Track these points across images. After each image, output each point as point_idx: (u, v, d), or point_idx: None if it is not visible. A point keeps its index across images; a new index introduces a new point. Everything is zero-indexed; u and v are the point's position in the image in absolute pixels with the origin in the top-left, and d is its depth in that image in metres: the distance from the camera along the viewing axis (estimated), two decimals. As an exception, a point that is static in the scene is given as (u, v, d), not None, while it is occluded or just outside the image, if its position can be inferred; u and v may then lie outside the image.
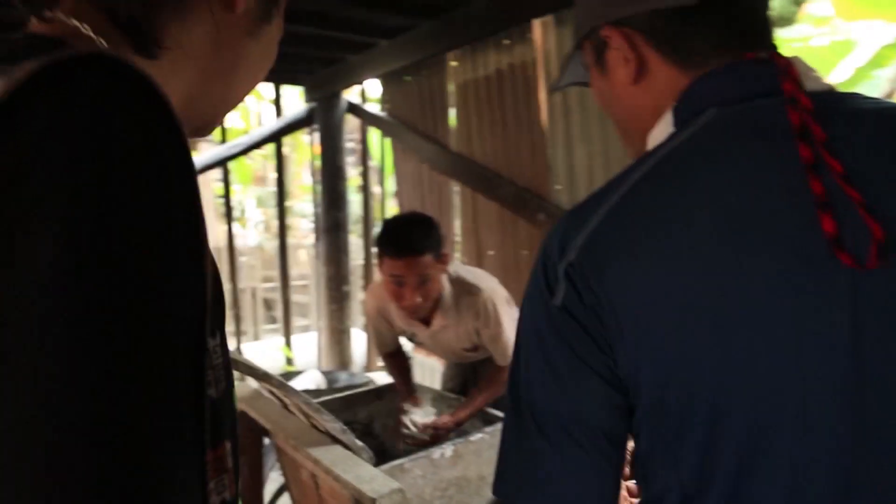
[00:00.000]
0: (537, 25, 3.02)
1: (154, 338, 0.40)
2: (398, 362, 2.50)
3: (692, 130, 0.64)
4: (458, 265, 2.32)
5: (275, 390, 1.55)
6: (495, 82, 3.29)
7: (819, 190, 0.56)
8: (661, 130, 0.68)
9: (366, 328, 2.40)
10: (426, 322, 2.21)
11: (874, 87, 9.18)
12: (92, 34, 0.51)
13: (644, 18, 0.69)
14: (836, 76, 8.76)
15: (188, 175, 0.44)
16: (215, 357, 0.51)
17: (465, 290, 2.17)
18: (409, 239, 2.00)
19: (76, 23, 0.50)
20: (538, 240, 3.18)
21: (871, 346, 0.55)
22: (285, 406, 1.68)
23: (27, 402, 0.38)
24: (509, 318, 2.19)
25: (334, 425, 1.38)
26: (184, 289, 0.43)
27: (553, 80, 2.95)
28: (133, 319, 0.39)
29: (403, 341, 2.50)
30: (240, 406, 1.69)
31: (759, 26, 0.69)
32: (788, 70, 0.63)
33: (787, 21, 10.86)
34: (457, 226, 3.77)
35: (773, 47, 0.69)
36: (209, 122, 0.67)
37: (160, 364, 0.41)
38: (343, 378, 4.16)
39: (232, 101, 0.69)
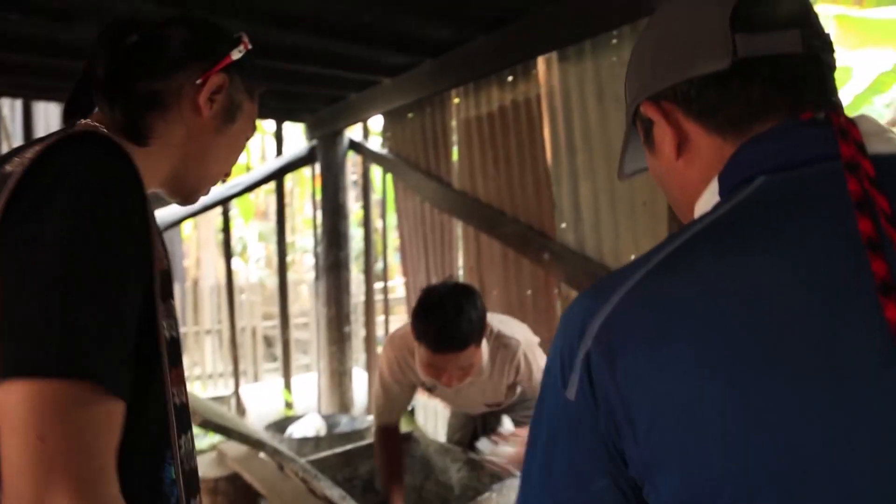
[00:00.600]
0: (541, 62, 2.99)
1: (110, 283, 0.69)
2: (392, 445, 2.24)
3: (736, 201, 0.57)
4: (493, 315, 2.14)
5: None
6: (498, 119, 3.24)
7: (882, 271, 0.48)
8: (707, 200, 0.64)
9: (371, 390, 2.24)
10: None
11: (873, 113, 9.21)
12: (103, 129, 0.81)
13: (678, 90, 0.67)
14: None
15: (139, 199, 0.74)
16: (169, 316, 0.80)
17: (500, 343, 2.03)
18: (452, 335, 1.78)
19: (96, 124, 0.84)
20: (542, 279, 3.11)
21: None
22: (281, 467, 1.59)
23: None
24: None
25: (332, 492, 1.30)
26: (135, 264, 0.73)
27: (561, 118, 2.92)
28: (101, 274, 0.68)
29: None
30: (233, 467, 1.60)
31: (814, 82, 0.62)
32: (849, 130, 0.56)
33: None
34: (459, 264, 3.70)
35: (834, 105, 0.62)
36: (193, 191, 0.98)
37: (114, 296, 0.70)
38: (344, 422, 4.06)
39: (209, 178, 0.99)
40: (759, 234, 0.53)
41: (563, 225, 3.00)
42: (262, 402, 4.95)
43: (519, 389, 2.23)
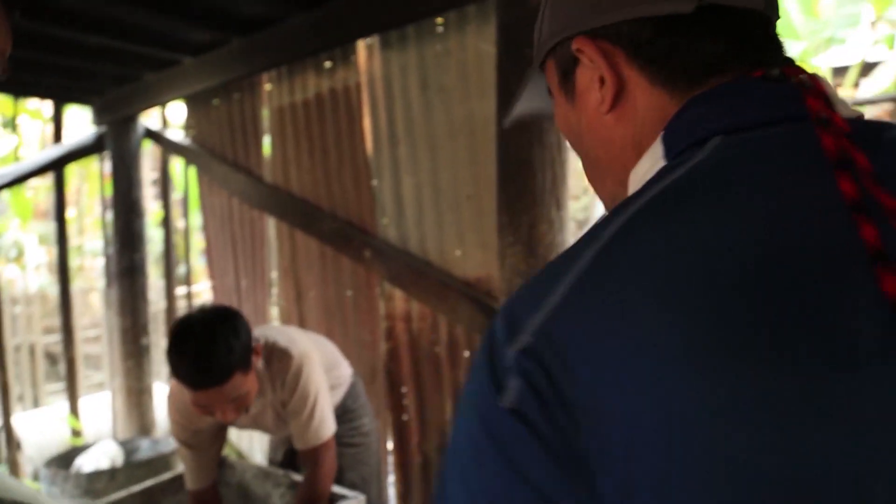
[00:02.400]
0: (361, 48, 2.81)
1: None
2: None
3: (692, 164, 0.47)
4: (271, 328, 1.99)
5: None
6: (315, 108, 3.01)
7: (872, 237, 0.39)
8: (647, 167, 0.53)
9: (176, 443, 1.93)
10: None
11: None
12: None
13: (626, 30, 0.55)
14: None
15: None
16: None
17: (276, 356, 1.86)
18: (208, 369, 1.59)
19: None
20: (363, 278, 2.92)
21: None
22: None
23: None
24: (323, 391, 1.89)
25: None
26: None
27: (378, 104, 2.74)
28: None
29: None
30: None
31: (766, 37, 0.56)
32: (815, 86, 0.49)
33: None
34: (273, 264, 3.41)
35: (787, 62, 0.53)
36: None
37: None
38: (145, 446, 3.61)
39: None
40: (726, 201, 0.44)
41: (385, 220, 2.84)
42: (43, 432, 4.26)
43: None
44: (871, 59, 4.85)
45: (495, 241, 2.30)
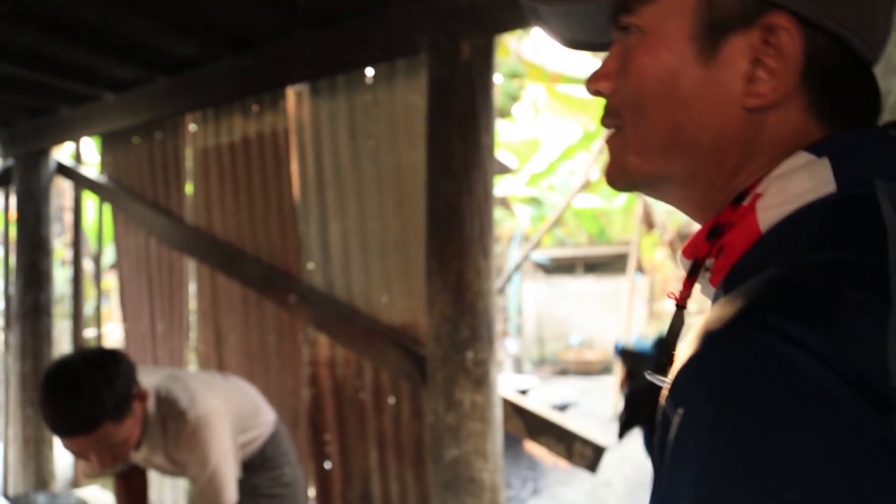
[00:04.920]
0: (290, 94, 2.83)
1: None
2: (128, 486, 2.01)
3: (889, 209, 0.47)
4: (175, 377, 1.89)
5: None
6: (241, 150, 2.99)
7: None
8: (808, 185, 0.50)
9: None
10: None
11: (559, 178, 10.61)
12: None
13: (822, 43, 0.51)
14: (531, 168, 10.00)
15: None
16: None
17: (171, 413, 1.77)
18: (71, 418, 1.56)
19: None
20: (287, 323, 2.89)
21: None
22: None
23: None
24: (224, 455, 1.80)
25: None
26: None
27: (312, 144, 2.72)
28: None
29: None
30: None
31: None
32: None
33: (502, 115, 12.10)
34: (192, 307, 3.32)
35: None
36: None
37: None
38: (41, 501, 3.36)
39: None
40: None
41: (311, 266, 2.83)
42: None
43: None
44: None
45: (423, 287, 2.34)
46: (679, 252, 0.59)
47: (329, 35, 2.51)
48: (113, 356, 1.69)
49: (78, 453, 1.64)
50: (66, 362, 1.65)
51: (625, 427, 2.75)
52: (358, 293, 2.70)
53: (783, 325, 0.39)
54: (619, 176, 0.60)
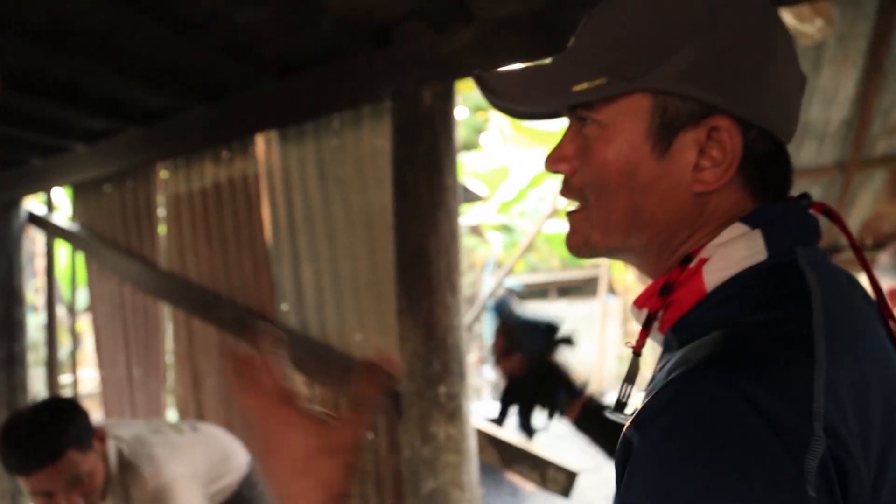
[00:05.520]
0: (260, 140, 2.91)
1: None
2: None
3: (817, 274, 0.59)
4: (140, 441, 1.86)
5: None
6: (212, 196, 3.06)
7: None
8: (745, 253, 0.60)
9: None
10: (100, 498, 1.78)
11: (530, 205, 10.79)
12: None
13: (755, 135, 0.61)
14: (502, 196, 10.16)
15: None
16: None
17: (133, 478, 1.77)
18: (37, 447, 1.58)
19: None
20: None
21: None
22: None
23: None
24: None
25: None
26: None
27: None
28: None
29: None
30: None
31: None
32: (842, 221, 0.66)
33: (470, 147, 12.27)
34: (168, 352, 3.35)
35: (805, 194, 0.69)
36: None
37: None
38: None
39: None
40: (853, 312, 0.59)
41: (285, 306, 2.89)
42: None
43: None
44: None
45: (395, 325, 2.42)
46: (631, 303, 0.69)
47: (295, 84, 2.60)
48: (70, 402, 1.73)
49: (45, 495, 1.61)
50: (22, 409, 1.71)
51: (506, 408, 2.91)
52: (332, 332, 2.76)
53: (732, 379, 0.49)
54: (583, 248, 0.69)
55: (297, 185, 2.83)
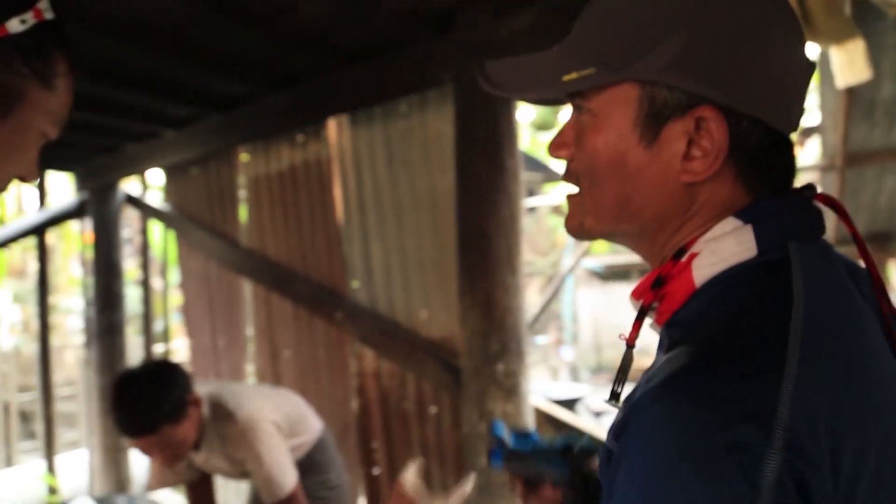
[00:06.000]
0: (332, 124, 3.03)
1: None
2: (197, 493, 2.29)
3: (805, 273, 0.59)
4: (225, 387, 2.14)
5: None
6: (289, 178, 3.21)
7: None
8: (735, 248, 0.61)
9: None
10: (195, 446, 2.04)
11: None
12: None
13: (746, 126, 0.60)
14: None
15: None
16: None
17: (222, 416, 2.00)
18: (135, 421, 1.84)
19: None
20: (336, 339, 3.09)
21: None
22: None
23: None
24: (275, 449, 2.02)
25: None
26: None
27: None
28: None
29: None
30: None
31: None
32: (846, 213, 0.66)
33: (547, 126, 12.12)
34: (249, 325, 3.56)
35: (810, 185, 0.68)
36: None
37: None
38: (121, 503, 3.66)
39: None
40: (845, 307, 0.60)
41: (355, 284, 3.02)
42: (18, 491, 4.30)
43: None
44: (809, 125, 5.20)
45: (457, 304, 2.50)
46: (630, 294, 0.69)
47: (363, 70, 2.70)
48: (169, 367, 1.97)
49: (143, 450, 1.90)
50: (129, 374, 1.94)
51: None
52: (399, 309, 2.87)
53: (690, 400, 0.51)
54: (578, 231, 0.71)
55: (366, 167, 2.93)
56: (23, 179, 0.81)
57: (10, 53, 0.72)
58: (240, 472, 2.14)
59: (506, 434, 1.10)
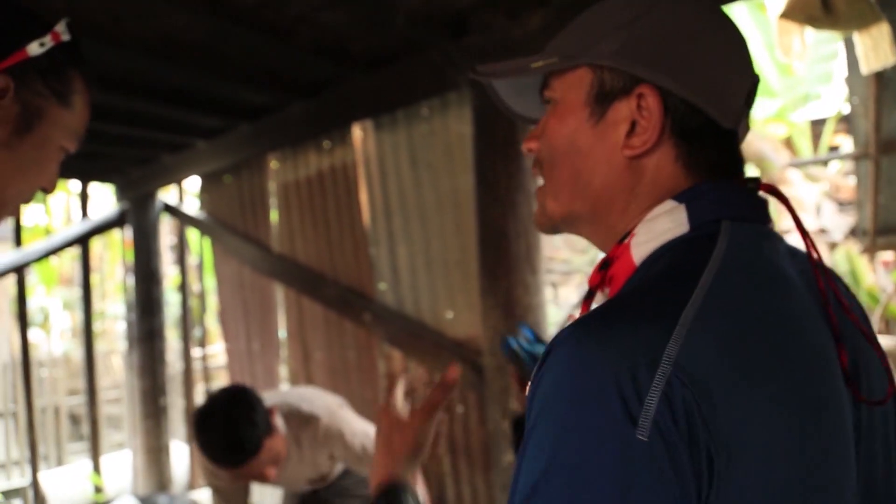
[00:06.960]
0: (357, 129, 3.09)
1: None
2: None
3: (729, 243, 0.63)
4: (285, 392, 2.19)
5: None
6: (317, 183, 3.29)
7: (835, 324, 0.64)
8: (668, 225, 0.65)
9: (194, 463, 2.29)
10: None
11: None
12: None
13: (684, 110, 0.66)
14: None
15: None
16: None
17: (301, 422, 2.04)
18: (241, 447, 1.80)
19: None
20: (364, 340, 3.15)
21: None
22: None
23: None
24: (358, 426, 2.10)
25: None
26: None
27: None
28: None
29: None
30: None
31: (740, 154, 0.72)
32: (787, 201, 0.69)
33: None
34: (281, 328, 3.65)
35: (754, 178, 0.72)
36: None
37: None
38: (163, 502, 3.79)
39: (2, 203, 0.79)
40: (768, 280, 0.63)
41: (383, 286, 3.07)
42: (67, 489, 4.48)
43: (340, 464, 2.26)
44: (847, 112, 5.10)
45: (479, 303, 2.53)
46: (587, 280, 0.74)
47: (384, 76, 2.75)
48: (242, 388, 1.96)
49: (243, 478, 1.89)
50: (208, 409, 1.90)
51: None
52: (426, 309, 2.91)
53: (581, 343, 0.55)
54: (544, 219, 0.76)
55: (391, 171, 2.99)
56: (45, 191, 0.86)
57: (30, 75, 0.77)
58: (305, 482, 2.18)
59: (524, 340, 1.14)
